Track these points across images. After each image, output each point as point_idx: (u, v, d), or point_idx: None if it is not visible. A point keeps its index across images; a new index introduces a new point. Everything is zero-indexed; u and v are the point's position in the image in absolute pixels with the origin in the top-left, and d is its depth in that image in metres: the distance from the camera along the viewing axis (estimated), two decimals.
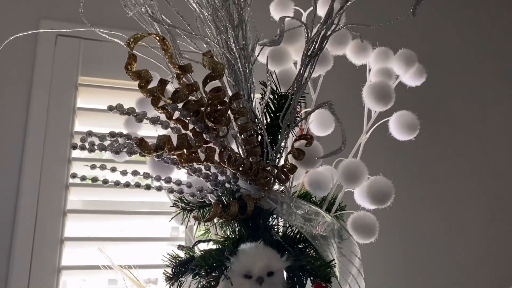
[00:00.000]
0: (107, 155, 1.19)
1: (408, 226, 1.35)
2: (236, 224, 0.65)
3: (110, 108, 0.58)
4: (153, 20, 0.63)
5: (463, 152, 1.50)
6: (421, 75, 0.73)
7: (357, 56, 0.71)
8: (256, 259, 0.59)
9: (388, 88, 0.66)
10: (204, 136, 0.59)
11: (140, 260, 1.09)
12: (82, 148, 0.62)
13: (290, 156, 0.63)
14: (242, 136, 0.61)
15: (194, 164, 0.64)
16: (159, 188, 0.69)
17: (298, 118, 0.69)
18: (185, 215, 0.75)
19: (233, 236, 0.68)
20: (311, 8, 0.66)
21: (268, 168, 0.66)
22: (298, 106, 0.66)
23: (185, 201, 0.74)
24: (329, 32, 0.60)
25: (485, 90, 1.58)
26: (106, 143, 0.63)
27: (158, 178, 0.69)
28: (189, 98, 0.55)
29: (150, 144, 0.56)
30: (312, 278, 0.63)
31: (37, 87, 1.16)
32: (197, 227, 0.78)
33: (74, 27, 1.21)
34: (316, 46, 0.60)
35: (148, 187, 0.68)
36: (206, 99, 0.54)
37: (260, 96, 0.71)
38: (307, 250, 0.70)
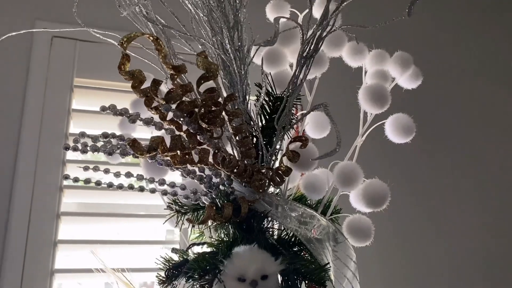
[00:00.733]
0: (102, 158, 1.19)
1: (404, 229, 1.35)
2: (230, 227, 0.64)
3: (103, 109, 0.58)
4: (147, 20, 0.63)
5: (460, 155, 1.50)
6: (417, 78, 0.72)
7: (353, 58, 0.71)
8: (250, 262, 0.58)
9: (384, 91, 0.66)
10: (198, 137, 0.58)
11: (135, 263, 1.08)
12: (75, 149, 0.62)
13: (285, 158, 0.62)
14: (237, 138, 0.60)
15: (188, 166, 0.63)
16: (152, 190, 0.68)
17: (293, 120, 0.69)
18: (179, 218, 0.74)
19: (227, 239, 0.68)
20: (307, 10, 0.66)
21: (263, 170, 0.65)
22: (294, 108, 0.66)
23: (179, 203, 0.73)
24: (324, 33, 0.60)
25: (482, 92, 1.57)
26: (99, 144, 0.63)
27: (151, 180, 0.68)
28: (183, 99, 0.54)
29: (143, 145, 0.56)
30: (306, 281, 0.63)
31: (32, 89, 1.15)
32: (191, 230, 0.77)
33: (69, 28, 1.22)
34: (312, 48, 0.60)
35: (141, 189, 0.67)
36: (200, 100, 0.54)
37: (255, 98, 0.71)
38: (302, 253, 0.69)
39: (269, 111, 0.70)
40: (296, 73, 0.61)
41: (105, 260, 0.94)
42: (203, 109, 0.55)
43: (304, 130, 0.75)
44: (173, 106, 0.54)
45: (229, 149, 0.69)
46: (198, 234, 0.79)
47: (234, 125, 0.59)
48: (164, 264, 0.68)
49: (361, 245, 0.69)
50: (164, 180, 0.67)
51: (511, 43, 1.67)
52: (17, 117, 1.13)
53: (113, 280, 0.97)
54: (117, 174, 0.68)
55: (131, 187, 0.67)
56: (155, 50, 0.53)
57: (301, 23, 0.62)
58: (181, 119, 0.54)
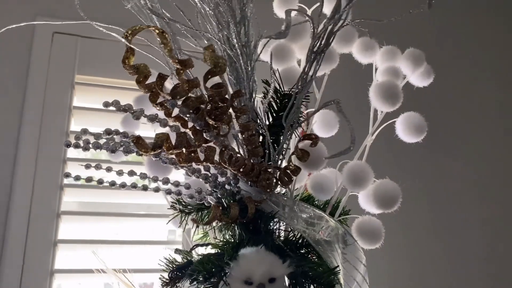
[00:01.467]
0: (104, 156, 1.17)
1: (414, 231, 1.32)
2: (236, 228, 0.62)
3: (106, 105, 0.56)
4: (152, 13, 0.61)
5: (473, 155, 1.46)
6: (429, 76, 0.70)
7: (363, 55, 0.69)
8: (257, 264, 0.56)
9: (396, 88, 0.64)
10: (204, 135, 0.56)
11: (136, 264, 1.06)
12: (76, 146, 0.60)
13: (293, 157, 0.60)
14: (244, 136, 0.58)
15: (193, 164, 0.61)
16: (156, 189, 0.66)
17: (301, 118, 0.67)
18: (183, 218, 0.72)
19: (232, 240, 0.66)
20: (317, 4, 0.64)
21: (270, 170, 0.63)
22: (302, 106, 0.64)
23: (183, 203, 0.71)
24: (336, 28, 0.58)
25: (496, 90, 1.54)
26: (102, 141, 0.61)
27: (155, 179, 0.66)
28: (189, 95, 0.52)
29: (147, 142, 0.54)
30: (315, 285, 0.61)
31: (33, 85, 1.13)
32: (195, 231, 0.75)
33: (71, 24, 1.19)
34: (323, 43, 0.58)
35: (145, 188, 0.65)
36: (206, 95, 0.52)
37: (262, 95, 0.69)
38: (310, 255, 0.67)
39: (276, 108, 0.68)
40: (306, 69, 0.59)
41: (106, 260, 0.93)
42: (209, 105, 0.53)
43: (312, 130, 0.73)
44: (179, 102, 0.52)
45: (234, 147, 0.67)
46: (202, 235, 0.77)
47: (241, 122, 0.57)
48: (168, 265, 0.66)
49: (371, 248, 0.67)
50: (168, 179, 0.65)
51: None
52: (17, 114, 1.11)
53: (113, 281, 0.95)
54: (120, 173, 0.66)
55: (134, 185, 0.64)
56: (161, 44, 0.51)
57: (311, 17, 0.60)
58: (187, 115, 0.52)
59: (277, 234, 0.65)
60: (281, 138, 0.68)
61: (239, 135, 0.62)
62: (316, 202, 0.73)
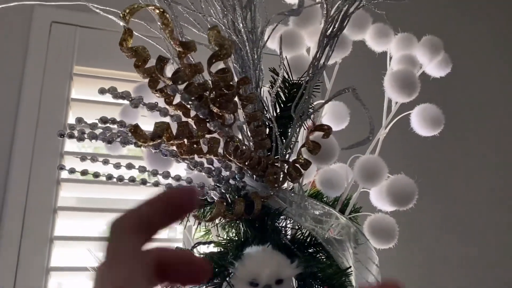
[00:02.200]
0: (102, 150, 1.13)
1: (428, 230, 1.27)
2: (241, 225, 0.58)
3: (102, 91, 0.52)
4: None
5: (492, 150, 1.40)
6: (447, 65, 0.66)
7: (377, 42, 0.65)
8: (264, 264, 0.52)
9: (413, 77, 0.59)
10: (208, 125, 0.52)
11: None
12: (71, 136, 0.56)
13: (304, 150, 0.56)
14: (251, 126, 0.54)
15: (196, 157, 0.57)
16: (156, 184, 0.62)
17: (311, 109, 0.63)
18: None
19: (236, 239, 0.62)
20: None
21: (277, 164, 0.59)
22: (312, 96, 0.60)
23: None
24: (351, 9, 0.54)
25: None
26: (98, 131, 0.57)
27: (155, 173, 0.62)
28: (192, 80, 0.48)
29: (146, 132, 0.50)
30: (325, 287, 0.57)
31: (30, 77, 1.10)
32: (196, 228, 0.71)
33: (69, 14, 1.16)
34: (336, 26, 0.54)
35: (143, 182, 0.61)
36: (211, 81, 0.48)
37: (269, 84, 0.65)
38: (318, 255, 0.63)
39: (284, 99, 0.64)
40: (318, 55, 0.55)
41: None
42: (214, 93, 0.48)
43: (320, 122, 0.69)
44: (181, 88, 0.48)
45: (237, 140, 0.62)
46: (204, 232, 0.73)
47: (247, 111, 0.53)
48: None
49: (384, 247, 0.63)
50: (169, 173, 0.61)
51: None
52: (13, 106, 1.07)
53: None
54: (117, 165, 0.62)
55: (132, 179, 0.61)
56: (162, 26, 0.47)
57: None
58: (190, 102, 0.48)
59: (284, 232, 0.61)
60: (289, 131, 0.64)
61: (245, 126, 0.58)
62: (324, 199, 0.69)
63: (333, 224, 0.63)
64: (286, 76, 0.63)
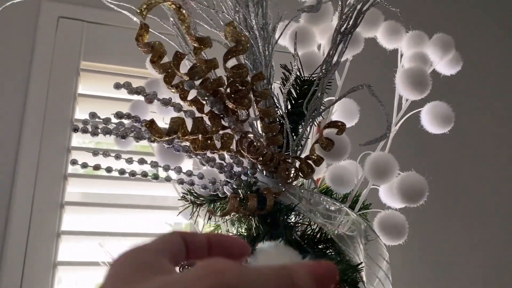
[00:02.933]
0: (106, 145, 1.13)
1: (438, 227, 1.27)
2: (253, 221, 0.59)
3: (117, 86, 0.52)
4: None
5: (502, 146, 1.39)
6: (457, 63, 0.66)
7: (388, 39, 0.65)
8: (276, 260, 0.52)
9: (425, 74, 0.60)
10: (222, 121, 0.52)
11: None
12: (84, 131, 0.56)
13: (317, 146, 0.56)
14: (264, 122, 0.54)
15: (208, 153, 0.57)
16: (168, 179, 0.63)
17: (322, 107, 0.63)
18: (194, 210, 0.69)
19: (246, 234, 0.62)
20: None
21: (289, 160, 0.59)
22: (325, 93, 0.60)
23: (195, 194, 0.68)
24: (366, 6, 0.54)
25: None
26: (111, 126, 0.57)
27: (167, 168, 0.62)
28: (207, 76, 0.48)
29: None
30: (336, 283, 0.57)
31: (37, 72, 1.10)
32: (205, 223, 0.72)
33: (77, 9, 1.16)
34: (350, 23, 0.54)
35: (156, 177, 0.61)
36: (226, 76, 0.48)
37: (281, 81, 0.65)
38: (328, 251, 0.64)
39: (295, 95, 0.64)
40: (331, 52, 0.55)
41: (111, 253, 0.89)
42: (229, 88, 0.49)
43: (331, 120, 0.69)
44: (197, 83, 0.48)
45: (251, 136, 0.63)
46: (213, 228, 0.73)
47: (261, 107, 0.53)
48: None
49: (393, 244, 0.63)
50: (181, 168, 0.62)
51: None
52: (20, 102, 1.07)
53: None
54: (129, 161, 0.62)
55: (144, 174, 0.61)
56: (178, 20, 0.47)
57: None
58: (205, 98, 0.48)
59: (297, 228, 0.61)
60: (300, 127, 0.64)
61: (258, 122, 0.59)
62: (334, 196, 0.70)
63: (342, 220, 0.63)
64: (298, 73, 0.64)
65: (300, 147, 0.64)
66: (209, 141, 0.52)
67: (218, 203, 0.66)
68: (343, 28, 0.54)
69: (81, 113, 1.11)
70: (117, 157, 0.62)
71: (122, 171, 0.60)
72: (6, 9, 1.13)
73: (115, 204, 1.09)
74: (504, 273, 1.31)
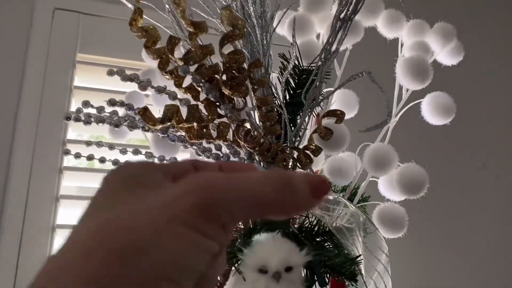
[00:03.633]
0: (105, 139, 1.11)
1: (438, 220, 1.26)
2: None
3: (111, 73, 0.51)
4: None
5: (503, 138, 1.37)
6: (459, 53, 0.65)
7: (389, 28, 0.63)
8: (273, 251, 0.51)
9: (426, 63, 0.58)
10: (218, 108, 0.51)
11: None
12: (77, 119, 0.55)
13: (315, 136, 0.55)
14: (261, 111, 0.53)
15: (204, 143, 0.56)
16: None
17: (321, 96, 0.62)
18: None
19: (242, 226, 0.61)
20: None
21: (287, 150, 0.58)
22: (324, 82, 0.58)
23: None
24: None
25: None
26: (105, 116, 0.56)
27: (161, 159, 0.61)
28: (203, 62, 0.47)
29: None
30: (333, 275, 0.56)
31: (32, 64, 1.08)
32: None
33: (73, 0, 1.14)
34: (350, 9, 0.52)
35: None
36: (223, 62, 0.46)
37: (279, 70, 0.64)
38: (326, 244, 0.62)
39: (294, 85, 0.63)
40: (330, 39, 0.54)
41: None
42: (225, 75, 0.47)
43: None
44: (192, 70, 0.47)
45: (247, 125, 0.61)
46: None
47: (259, 95, 0.52)
48: None
49: (393, 237, 0.62)
50: (176, 159, 0.60)
51: None
52: (15, 94, 1.06)
53: None
54: (123, 151, 0.61)
55: None
56: (173, 4, 0.46)
57: None
58: (201, 84, 0.47)
59: (295, 220, 0.60)
60: (298, 117, 0.63)
61: (255, 111, 0.57)
62: (332, 188, 0.68)
63: (341, 212, 0.62)
64: (296, 62, 0.62)
65: (298, 138, 0.63)
66: (204, 130, 0.51)
67: None
68: (342, 14, 0.52)
69: (77, 106, 1.10)
70: (111, 147, 0.60)
71: (116, 162, 0.59)
72: (0, 0, 1.11)
73: None
74: (504, 266, 1.30)
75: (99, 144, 0.60)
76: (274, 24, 0.63)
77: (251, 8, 0.59)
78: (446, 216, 1.28)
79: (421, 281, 1.23)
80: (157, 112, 0.65)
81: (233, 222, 0.19)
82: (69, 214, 1.05)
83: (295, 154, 0.58)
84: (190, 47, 0.46)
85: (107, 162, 0.60)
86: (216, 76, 0.48)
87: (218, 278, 0.54)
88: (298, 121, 0.62)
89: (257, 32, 0.61)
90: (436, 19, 0.66)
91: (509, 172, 1.38)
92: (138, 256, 0.17)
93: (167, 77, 0.48)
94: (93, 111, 0.57)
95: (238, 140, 0.50)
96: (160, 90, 0.51)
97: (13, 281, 0.95)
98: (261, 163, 0.61)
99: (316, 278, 0.55)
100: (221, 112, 0.51)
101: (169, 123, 0.47)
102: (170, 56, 0.45)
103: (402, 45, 0.65)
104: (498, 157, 1.38)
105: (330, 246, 0.62)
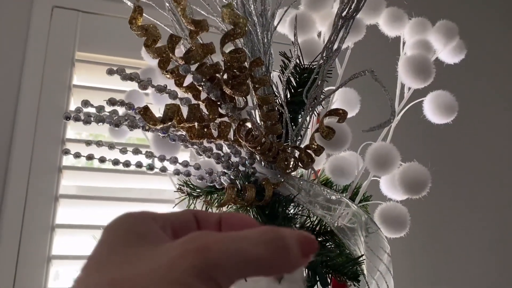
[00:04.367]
0: (105, 139, 1.11)
1: (440, 219, 1.26)
2: (251, 212, 0.57)
3: (111, 72, 0.50)
4: None
5: (505, 137, 1.37)
6: (461, 52, 0.64)
7: (391, 26, 0.63)
8: None
9: (428, 62, 0.58)
10: (219, 108, 0.51)
11: None
12: (76, 119, 0.54)
13: (317, 135, 0.55)
14: (262, 110, 0.52)
15: (205, 142, 0.56)
16: (163, 169, 0.61)
17: (322, 95, 0.61)
18: (191, 202, 0.67)
19: None
20: None
21: (289, 150, 0.58)
22: (326, 81, 0.58)
23: (191, 185, 0.66)
24: None
25: None
26: (105, 115, 0.55)
27: (162, 158, 0.61)
28: (204, 61, 0.46)
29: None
30: (335, 275, 0.56)
31: (30, 63, 1.07)
32: None
33: None
34: (352, 7, 0.52)
35: (150, 167, 0.59)
36: (223, 61, 0.46)
37: (280, 69, 0.63)
38: (328, 243, 0.62)
39: (295, 84, 0.63)
40: (332, 37, 0.53)
41: None
42: (226, 74, 0.47)
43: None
44: (192, 69, 0.46)
45: (248, 125, 0.61)
46: None
47: (260, 94, 0.52)
48: None
49: (395, 236, 0.62)
50: (177, 159, 0.60)
51: None
52: (14, 93, 1.05)
53: None
54: (124, 151, 0.60)
55: (139, 165, 0.59)
56: (173, 3, 0.45)
57: None
58: (202, 83, 0.46)
59: (296, 220, 0.59)
60: (299, 117, 0.62)
61: (253, 111, 0.57)
62: (334, 188, 0.68)
63: (342, 212, 0.61)
64: (297, 61, 0.62)
65: (300, 137, 0.62)
66: (205, 130, 0.50)
67: (215, 195, 0.65)
68: (344, 13, 0.52)
69: (76, 105, 1.09)
70: (111, 147, 0.60)
71: (116, 161, 0.59)
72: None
73: (111, 197, 1.07)
74: (507, 264, 1.30)
75: (98, 143, 0.60)
76: (275, 23, 0.62)
77: (252, 6, 0.58)
78: (449, 216, 1.28)
79: (424, 281, 1.23)
80: (157, 111, 0.65)
81: (229, 281, 0.20)
82: (69, 213, 1.04)
83: (297, 153, 0.58)
84: (191, 46, 0.45)
85: (107, 162, 0.60)
86: (217, 75, 0.48)
87: None
88: (300, 120, 0.62)
89: (258, 30, 0.60)
90: (438, 17, 0.65)
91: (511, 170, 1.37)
92: None
93: (168, 76, 0.47)
94: (92, 110, 0.56)
95: (239, 139, 0.50)
96: (161, 89, 0.51)
97: (12, 280, 0.95)
98: (262, 163, 0.61)
99: (318, 278, 0.54)
100: (222, 111, 0.50)
101: (170, 123, 0.46)
102: (170, 55, 0.44)
103: (404, 43, 0.65)
104: (502, 156, 1.37)
105: (332, 246, 0.62)
